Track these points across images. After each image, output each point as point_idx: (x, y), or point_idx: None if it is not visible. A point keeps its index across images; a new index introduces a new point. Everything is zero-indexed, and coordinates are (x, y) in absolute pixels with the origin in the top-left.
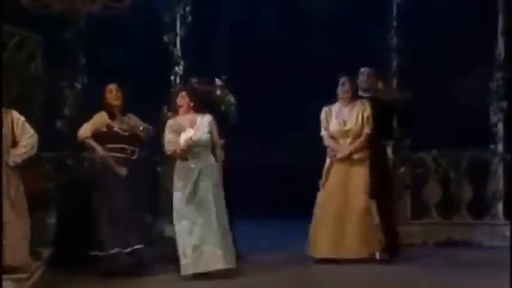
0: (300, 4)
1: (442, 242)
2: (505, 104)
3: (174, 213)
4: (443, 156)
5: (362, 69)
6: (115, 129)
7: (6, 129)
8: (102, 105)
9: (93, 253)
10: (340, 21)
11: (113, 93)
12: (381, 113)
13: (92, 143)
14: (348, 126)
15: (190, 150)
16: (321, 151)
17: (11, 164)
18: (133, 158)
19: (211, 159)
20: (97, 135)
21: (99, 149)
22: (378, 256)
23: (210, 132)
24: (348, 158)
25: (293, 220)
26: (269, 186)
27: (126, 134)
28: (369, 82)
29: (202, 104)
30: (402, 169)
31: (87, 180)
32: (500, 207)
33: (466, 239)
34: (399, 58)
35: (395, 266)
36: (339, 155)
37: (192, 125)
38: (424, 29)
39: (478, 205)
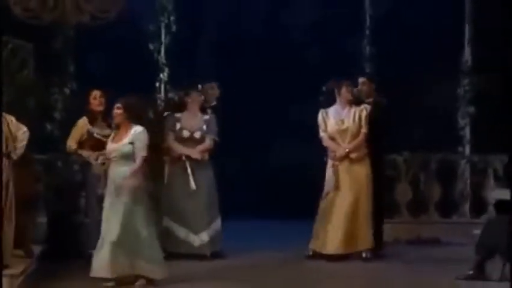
0: (283, 14)
1: (412, 239)
2: (471, 108)
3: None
4: (413, 158)
5: (360, 79)
6: (94, 135)
7: (5, 130)
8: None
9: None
10: (319, 31)
11: (96, 100)
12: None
13: (84, 153)
14: (346, 125)
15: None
16: (309, 153)
17: (15, 157)
18: None
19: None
20: (79, 141)
21: (92, 159)
22: (364, 254)
23: (133, 143)
24: (347, 157)
25: (287, 220)
26: (260, 188)
27: (105, 139)
28: (368, 90)
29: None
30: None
31: (76, 181)
32: (467, 206)
33: (435, 237)
34: (372, 66)
35: (372, 264)
36: (338, 154)
37: (119, 139)
38: (396, 39)
39: (447, 204)
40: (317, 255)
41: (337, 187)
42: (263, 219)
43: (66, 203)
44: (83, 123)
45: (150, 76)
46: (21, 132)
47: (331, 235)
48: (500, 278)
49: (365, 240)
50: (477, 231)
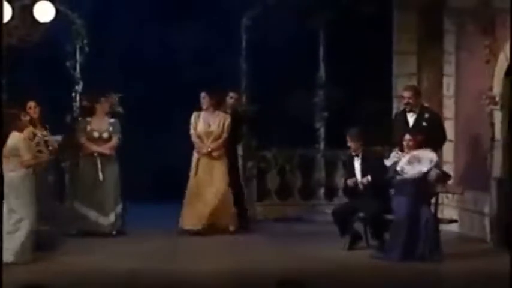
0: (174, 36)
1: (279, 218)
2: (325, 114)
3: None
4: (280, 153)
5: (231, 93)
6: (38, 135)
7: None
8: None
9: None
10: (203, 50)
11: (31, 109)
12: (237, 123)
13: None
14: (212, 128)
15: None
16: (192, 152)
17: None
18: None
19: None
20: None
21: None
22: (231, 228)
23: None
24: (209, 154)
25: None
26: (153, 177)
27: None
28: (231, 101)
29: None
30: (250, 163)
31: None
32: (322, 191)
33: (297, 216)
34: (247, 80)
35: (245, 236)
36: (203, 151)
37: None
38: (266, 58)
39: (306, 190)
40: (192, 231)
41: (195, 175)
42: (159, 203)
43: None
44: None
45: (67, 88)
46: None
47: (192, 215)
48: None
49: (225, 220)
50: (330, 211)
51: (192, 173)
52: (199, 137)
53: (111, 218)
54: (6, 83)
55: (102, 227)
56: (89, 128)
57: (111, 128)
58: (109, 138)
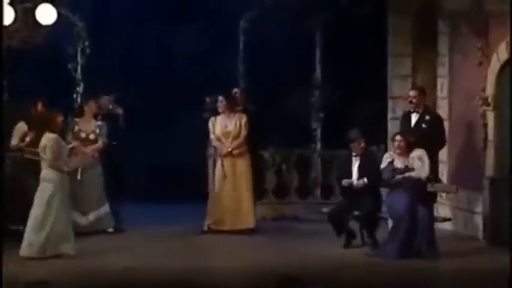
0: (173, 38)
1: (277, 217)
2: (321, 114)
3: None
4: (277, 152)
5: (234, 89)
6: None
7: None
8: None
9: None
10: (201, 51)
11: (44, 107)
12: (251, 121)
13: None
14: (229, 128)
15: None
16: (192, 152)
17: None
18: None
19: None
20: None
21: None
22: (251, 225)
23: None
24: (231, 153)
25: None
26: (153, 177)
27: None
28: (237, 96)
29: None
30: None
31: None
32: (318, 190)
33: (295, 215)
34: (245, 81)
35: (243, 236)
36: (223, 152)
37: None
38: (263, 59)
39: (303, 189)
40: (211, 231)
41: (224, 176)
42: (159, 203)
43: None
44: (20, 125)
45: (68, 89)
46: None
47: (220, 214)
48: (363, 242)
49: (248, 220)
50: (326, 209)
51: (216, 175)
52: (218, 139)
53: (91, 217)
54: (8, 84)
55: (80, 226)
56: (76, 128)
57: (98, 130)
58: (96, 140)
